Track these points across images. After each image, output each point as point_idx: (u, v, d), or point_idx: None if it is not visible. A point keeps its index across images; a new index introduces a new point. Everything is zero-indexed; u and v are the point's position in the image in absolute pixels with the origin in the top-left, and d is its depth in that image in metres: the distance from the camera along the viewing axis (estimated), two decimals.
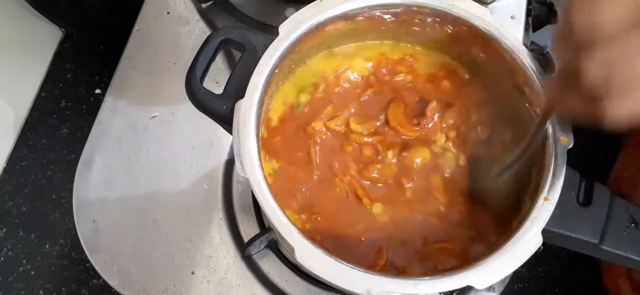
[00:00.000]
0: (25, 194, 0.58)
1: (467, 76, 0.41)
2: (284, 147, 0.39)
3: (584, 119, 0.21)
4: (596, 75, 0.19)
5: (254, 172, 0.32)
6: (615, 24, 0.18)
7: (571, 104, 0.22)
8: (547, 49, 0.56)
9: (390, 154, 0.38)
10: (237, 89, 0.35)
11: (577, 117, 0.22)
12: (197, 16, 0.60)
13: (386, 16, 0.39)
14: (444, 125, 0.39)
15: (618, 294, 0.47)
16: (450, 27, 0.39)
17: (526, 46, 0.37)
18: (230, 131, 0.35)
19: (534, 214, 0.32)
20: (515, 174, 0.36)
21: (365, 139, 0.39)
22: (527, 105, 0.37)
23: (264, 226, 0.50)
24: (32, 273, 0.55)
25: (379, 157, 0.38)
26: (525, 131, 0.34)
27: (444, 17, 0.38)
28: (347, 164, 0.38)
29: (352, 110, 0.40)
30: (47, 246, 0.56)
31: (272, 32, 0.36)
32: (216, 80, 0.55)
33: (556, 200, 0.32)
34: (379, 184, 0.38)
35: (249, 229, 0.51)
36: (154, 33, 0.59)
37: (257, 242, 0.47)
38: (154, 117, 0.55)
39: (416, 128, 0.39)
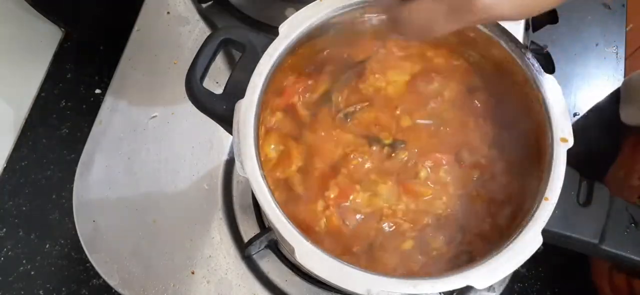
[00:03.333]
0: (25, 194, 0.58)
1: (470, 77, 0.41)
2: None
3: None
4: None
5: (254, 172, 0.32)
6: None
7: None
8: (547, 49, 0.56)
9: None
10: (237, 89, 0.35)
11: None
12: (197, 16, 0.60)
13: (384, 16, 0.39)
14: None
15: (601, 293, 0.48)
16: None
17: (526, 46, 0.37)
18: (230, 131, 0.35)
19: (534, 214, 0.32)
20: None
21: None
22: (526, 101, 0.37)
23: (264, 226, 0.50)
24: (32, 273, 0.55)
25: None
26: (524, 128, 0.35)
27: None
28: None
29: None
30: (47, 246, 0.56)
31: (272, 32, 0.36)
32: (216, 80, 0.55)
33: (556, 200, 0.32)
34: None
35: (249, 229, 0.51)
36: (154, 33, 0.59)
37: (257, 242, 0.47)
38: (154, 117, 0.55)
39: None
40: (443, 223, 0.37)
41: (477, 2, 0.26)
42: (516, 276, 0.52)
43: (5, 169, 0.60)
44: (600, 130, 0.58)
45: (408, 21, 0.29)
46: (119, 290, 0.48)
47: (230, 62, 0.57)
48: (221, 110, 0.36)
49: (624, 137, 0.54)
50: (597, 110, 0.59)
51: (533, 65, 0.36)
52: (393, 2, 0.30)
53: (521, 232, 0.32)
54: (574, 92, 0.59)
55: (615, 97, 0.58)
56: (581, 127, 0.58)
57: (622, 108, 0.55)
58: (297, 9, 0.37)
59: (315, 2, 0.37)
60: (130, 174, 0.52)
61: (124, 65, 0.57)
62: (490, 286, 0.40)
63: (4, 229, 0.57)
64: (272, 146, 0.39)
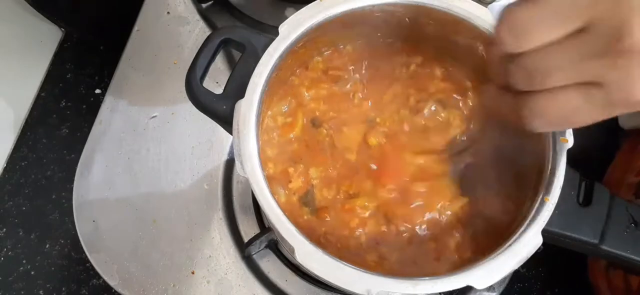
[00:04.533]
0: (25, 194, 0.58)
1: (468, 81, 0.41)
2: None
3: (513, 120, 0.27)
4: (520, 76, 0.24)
5: (254, 172, 0.32)
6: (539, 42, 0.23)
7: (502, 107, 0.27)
8: None
9: None
10: (237, 89, 0.35)
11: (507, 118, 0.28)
12: (197, 16, 0.60)
13: (384, 16, 0.39)
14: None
15: (598, 292, 0.48)
16: (450, 27, 0.39)
17: None
18: (230, 131, 0.35)
19: (534, 214, 0.32)
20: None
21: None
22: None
23: (264, 226, 0.50)
24: (32, 273, 0.55)
25: None
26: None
27: (444, 16, 0.38)
28: None
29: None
30: (47, 246, 0.56)
31: (272, 32, 0.36)
32: (216, 80, 0.55)
33: (556, 200, 0.32)
34: None
35: (249, 229, 0.51)
36: (154, 33, 0.59)
37: (257, 242, 0.47)
38: (154, 117, 0.55)
39: None
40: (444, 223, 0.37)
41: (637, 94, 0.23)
42: (516, 276, 0.52)
43: (5, 169, 0.60)
44: (600, 131, 0.58)
45: (542, 113, 0.25)
46: (119, 290, 0.48)
47: (230, 62, 0.57)
48: (221, 110, 0.36)
49: (623, 138, 0.54)
50: None
51: None
52: (493, 91, 0.27)
53: (521, 232, 0.32)
54: None
55: None
56: (581, 127, 0.58)
57: None
58: (297, 9, 0.37)
59: (315, 2, 0.37)
60: (130, 174, 0.52)
61: (124, 65, 0.57)
62: (490, 286, 0.40)
63: (4, 229, 0.57)
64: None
